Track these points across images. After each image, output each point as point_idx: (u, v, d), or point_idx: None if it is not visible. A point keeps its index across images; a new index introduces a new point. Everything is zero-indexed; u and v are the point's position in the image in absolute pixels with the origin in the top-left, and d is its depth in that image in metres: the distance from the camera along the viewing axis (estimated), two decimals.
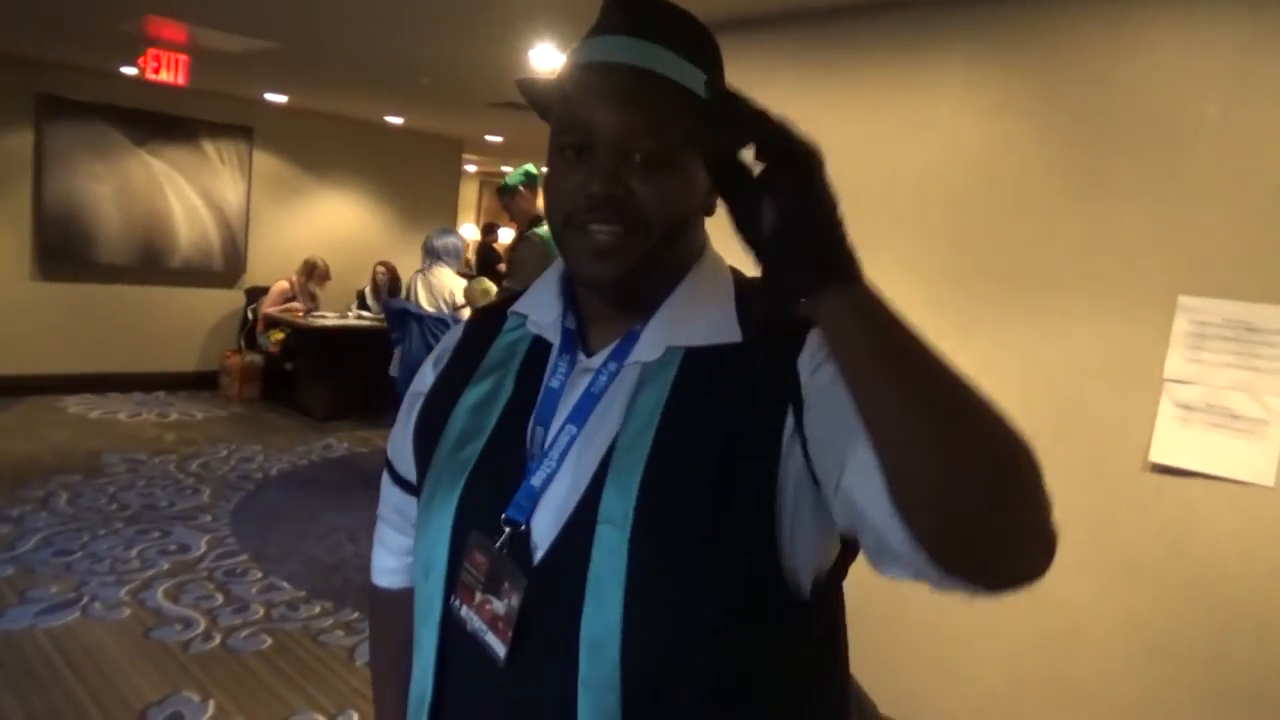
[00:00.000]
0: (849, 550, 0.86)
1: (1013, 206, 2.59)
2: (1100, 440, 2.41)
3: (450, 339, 1.03)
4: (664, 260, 0.86)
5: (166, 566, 3.92)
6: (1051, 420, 2.50)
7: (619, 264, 0.82)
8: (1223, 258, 2.22)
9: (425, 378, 1.01)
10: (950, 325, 2.69)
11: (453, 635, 0.87)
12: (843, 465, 0.71)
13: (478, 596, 0.84)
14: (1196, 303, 2.25)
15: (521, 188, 4.55)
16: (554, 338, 0.91)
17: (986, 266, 2.63)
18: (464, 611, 0.85)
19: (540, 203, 4.44)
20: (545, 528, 0.83)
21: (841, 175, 2.67)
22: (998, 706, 2.58)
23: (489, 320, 1.00)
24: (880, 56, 2.89)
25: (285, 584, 3.87)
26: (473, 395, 0.92)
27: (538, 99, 0.92)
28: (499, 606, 0.82)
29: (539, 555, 0.83)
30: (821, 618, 0.88)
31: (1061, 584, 2.46)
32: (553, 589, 0.80)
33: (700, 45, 0.87)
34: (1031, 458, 0.63)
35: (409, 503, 1.04)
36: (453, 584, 0.87)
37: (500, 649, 0.82)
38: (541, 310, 0.94)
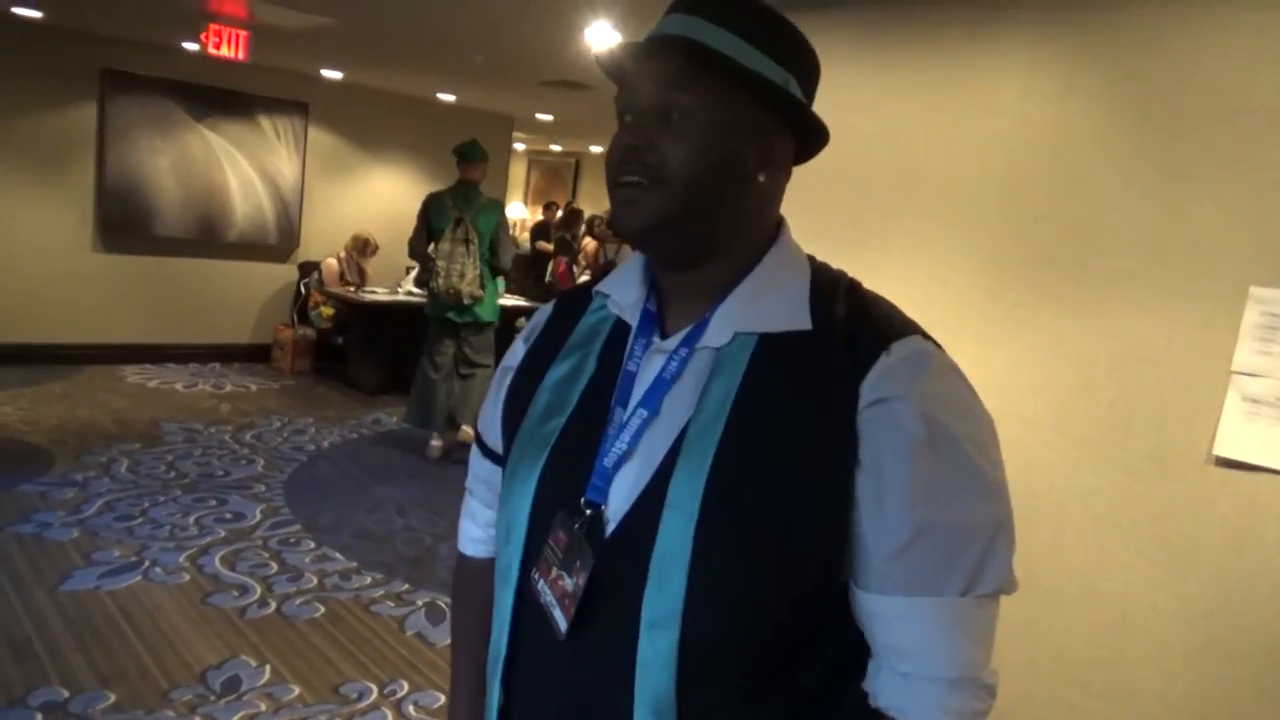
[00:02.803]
0: None
1: (1078, 192, 2.53)
2: (1163, 432, 2.36)
3: (541, 315, 1.06)
4: (696, 224, 0.86)
5: (223, 534, 4.03)
6: (1112, 410, 2.45)
7: (640, 215, 0.85)
8: None
9: (516, 353, 1.05)
10: (1009, 313, 2.65)
11: (528, 601, 0.90)
12: (865, 580, 0.82)
13: (554, 572, 0.87)
14: (1268, 294, 2.19)
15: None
16: (633, 320, 0.93)
17: (1049, 253, 2.58)
18: (540, 585, 0.88)
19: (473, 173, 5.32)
20: (616, 509, 0.85)
21: (905, 160, 2.66)
22: (1048, 696, 2.56)
23: (578, 298, 1.03)
24: (944, 38, 2.84)
25: (338, 554, 3.96)
26: (558, 372, 0.95)
27: (609, 74, 0.94)
28: (568, 584, 0.85)
29: (607, 535, 0.85)
30: None
31: (1116, 575, 2.43)
32: (618, 569, 0.82)
33: (777, 39, 0.88)
34: None
35: (495, 473, 1.07)
36: (531, 551, 0.90)
37: (563, 624, 0.85)
38: (624, 291, 0.96)
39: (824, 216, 3.07)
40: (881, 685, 0.83)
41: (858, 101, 3.03)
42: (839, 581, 0.83)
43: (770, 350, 0.84)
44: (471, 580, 1.14)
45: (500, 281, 5.80)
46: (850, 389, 0.81)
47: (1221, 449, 2.26)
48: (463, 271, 5.18)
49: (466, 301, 5.28)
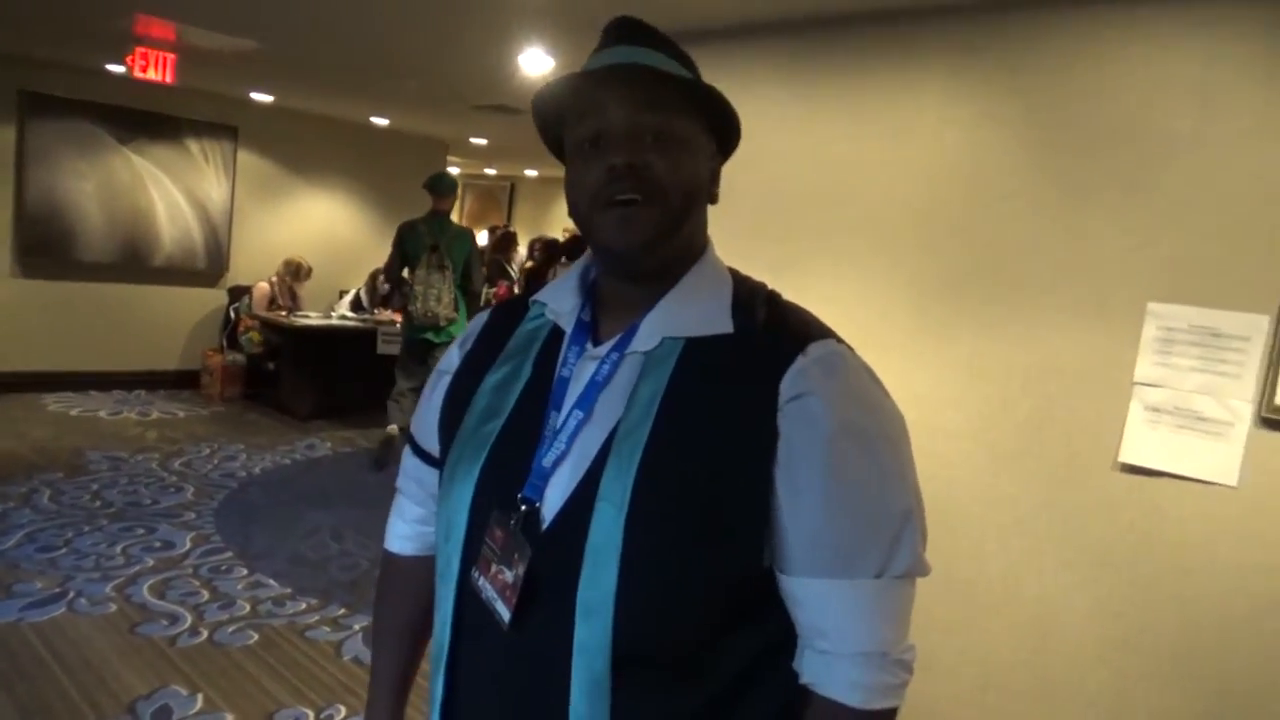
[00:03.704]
0: None
1: (993, 215, 2.67)
2: (1074, 440, 2.49)
3: (477, 323, 1.11)
4: (679, 235, 0.94)
5: (151, 563, 3.94)
6: (1028, 421, 2.58)
7: (641, 231, 0.90)
8: (1189, 266, 2.31)
9: (451, 359, 1.10)
10: (933, 329, 2.76)
11: (468, 597, 0.94)
12: (787, 564, 0.88)
13: (493, 568, 0.91)
14: (1164, 309, 2.34)
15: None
16: (567, 327, 0.99)
17: (968, 273, 2.71)
18: (480, 581, 0.92)
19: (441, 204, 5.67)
20: (552, 504, 0.90)
21: (829, 183, 2.78)
22: (973, 698, 2.65)
23: (514, 308, 1.08)
24: (866, 67, 2.97)
25: (271, 581, 3.90)
26: (495, 377, 1.00)
27: (546, 110, 0.99)
28: (508, 576, 0.89)
29: (543, 528, 0.90)
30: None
31: (1036, 578, 2.55)
32: (554, 559, 0.87)
33: (686, 59, 0.98)
34: None
35: (427, 473, 1.11)
36: (470, 548, 0.94)
37: (506, 615, 0.89)
38: (560, 300, 1.01)
39: (752, 239, 3.17)
40: (805, 663, 0.90)
41: (784, 127, 3.15)
42: (765, 567, 0.89)
43: (695, 353, 0.91)
44: (397, 578, 1.18)
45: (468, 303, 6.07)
46: (770, 387, 0.87)
47: (1127, 456, 2.39)
48: (439, 296, 5.57)
49: (442, 323, 5.62)
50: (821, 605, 0.88)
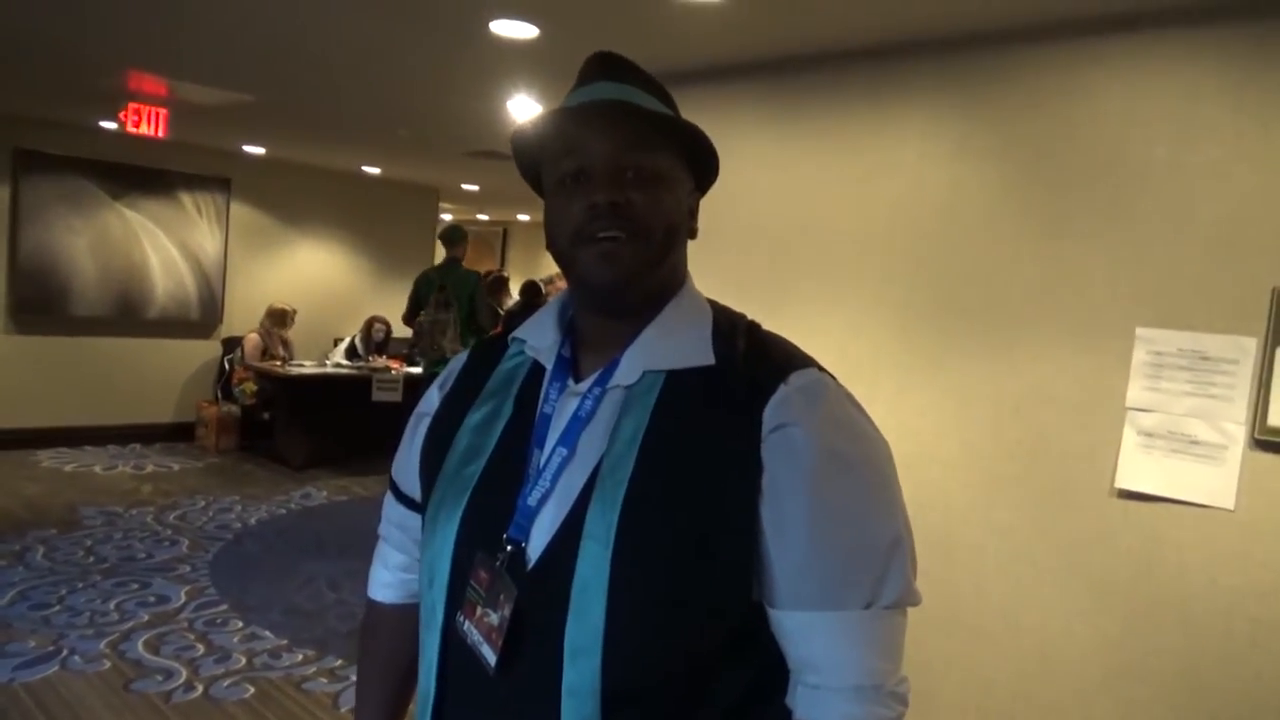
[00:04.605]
0: None
1: (976, 246, 2.69)
2: (1068, 467, 2.49)
3: (457, 363, 1.10)
4: (660, 271, 0.94)
5: (146, 618, 3.89)
6: (1020, 449, 2.58)
7: (624, 267, 0.90)
8: (1175, 290, 2.33)
9: (431, 400, 1.08)
10: (920, 359, 2.78)
11: (453, 643, 0.93)
12: (776, 598, 0.87)
13: (478, 611, 0.89)
14: (1153, 334, 2.35)
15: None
16: (548, 363, 0.98)
17: (953, 303, 2.73)
18: (465, 626, 0.90)
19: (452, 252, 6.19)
20: (537, 543, 0.89)
21: (815, 219, 2.81)
22: None
23: (492, 346, 1.07)
24: (849, 103, 3.01)
25: (267, 633, 3.85)
26: (476, 416, 0.99)
27: (526, 146, 0.99)
28: (494, 618, 0.88)
29: (529, 568, 0.88)
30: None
31: (1034, 608, 2.53)
32: (540, 599, 0.86)
33: (665, 94, 0.99)
34: None
35: (409, 517, 1.10)
36: (454, 593, 0.92)
37: (492, 658, 0.87)
38: (539, 337, 1.01)
39: (743, 275, 3.19)
40: (797, 699, 0.88)
41: (767, 165, 3.18)
42: (753, 601, 0.88)
43: (676, 386, 0.90)
44: (381, 626, 1.16)
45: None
46: (753, 418, 0.87)
47: (1122, 481, 2.39)
48: (444, 330, 6.04)
49: (448, 356, 5.87)
50: (810, 638, 0.86)
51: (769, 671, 0.91)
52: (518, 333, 1.03)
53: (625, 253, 0.90)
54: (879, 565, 0.86)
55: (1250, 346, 2.21)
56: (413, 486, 1.08)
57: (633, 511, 0.84)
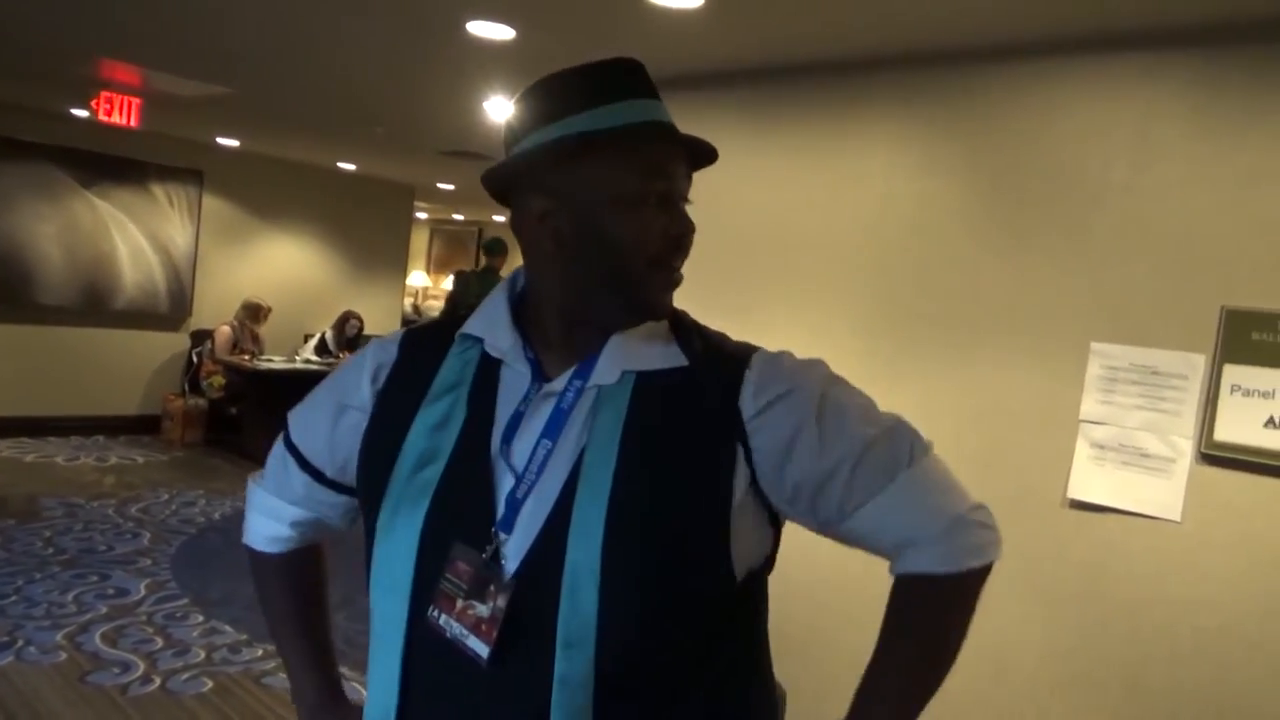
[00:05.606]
0: (775, 547, 1.00)
1: (940, 259, 2.74)
2: (1023, 478, 2.54)
3: (386, 355, 1.04)
4: None
5: (104, 610, 3.86)
6: (978, 459, 2.62)
7: (672, 296, 0.99)
8: (1130, 307, 2.39)
9: (360, 393, 1.03)
10: (883, 370, 2.82)
11: (419, 648, 0.92)
12: (844, 512, 0.93)
13: (460, 603, 0.89)
14: (1107, 349, 2.41)
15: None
16: (516, 364, 0.98)
17: (916, 316, 2.78)
18: (443, 620, 0.90)
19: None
20: (524, 534, 0.90)
21: (783, 228, 2.85)
22: None
23: (426, 341, 1.04)
24: (819, 115, 3.06)
25: (228, 627, 3.83)
26: (429, 417, 0.97)
27: (597, 147, 0.92)
28: (483, 610, 0.88)
29: (520, 559, 0.90)
30: (751, 608, 1.00)
31: (990, 615, 2.57)
32: (530, 592, 0.88)
33: None
34: (969, 614, 0.96)
35: (318, 489, 1.09)
36: (419, 593, 0.92)
37: (484, 650, 0.87)
38: (498, 336, 0.99)
39: (709, 281, 3.22)
40: (908, 563, 0.94)
41: (740, 172, 3.22)
42: (737, 580, 0.92)
43: (648, 383, 0.94)
44: (276, 573, 1.17)
45: None
46: (728, 407, 0.93)
47: (1075, 492, 2.45)
48: None
49: None
50: (889, 518, 0.92)
51: (748, 653, 0.97)
52: (469, 330, 1.01)
53: (677, 283, 0.98)
54: (896, 436, 0.95)
55: (1199, 363, 2.27)
56: (321, 461, 1.07)
57: (619, 500, 0.87)
